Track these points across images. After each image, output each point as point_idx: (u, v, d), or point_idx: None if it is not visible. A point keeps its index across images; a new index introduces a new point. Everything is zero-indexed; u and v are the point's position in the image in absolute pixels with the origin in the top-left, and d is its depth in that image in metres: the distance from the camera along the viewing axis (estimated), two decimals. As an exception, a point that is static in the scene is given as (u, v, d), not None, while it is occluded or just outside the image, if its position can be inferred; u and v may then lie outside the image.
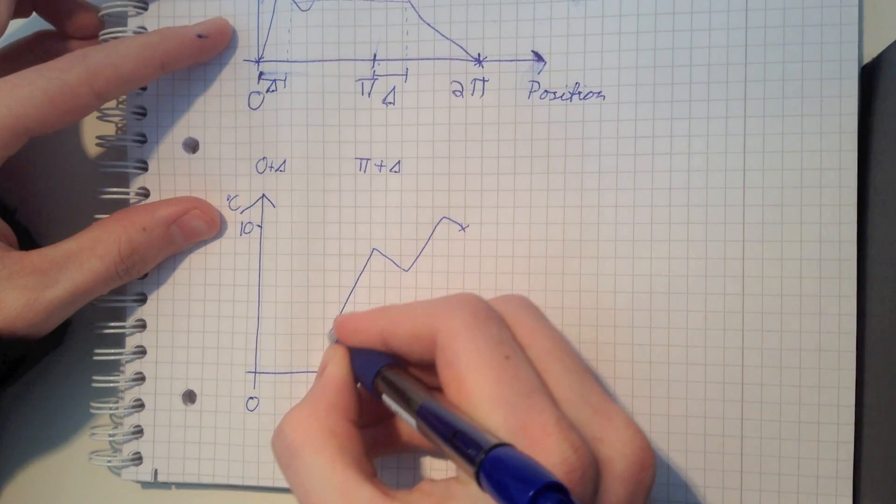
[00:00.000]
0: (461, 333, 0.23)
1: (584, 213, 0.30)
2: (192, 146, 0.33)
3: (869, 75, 0.29)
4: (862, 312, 0.29)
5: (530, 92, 0.31)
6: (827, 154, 0.29)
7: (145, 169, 0.33)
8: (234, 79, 0.33)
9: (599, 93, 0.30)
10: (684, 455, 0.30)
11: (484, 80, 0.31)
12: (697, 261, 0.30)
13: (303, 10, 0.32)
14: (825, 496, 0.29)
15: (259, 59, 0.32)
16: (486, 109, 0.31)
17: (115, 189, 0.33)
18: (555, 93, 0.30)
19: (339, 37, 0.32)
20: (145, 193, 0.33)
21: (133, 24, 0.33)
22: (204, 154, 0.33)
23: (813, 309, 0.29)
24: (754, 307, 0.29)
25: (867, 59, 0.29)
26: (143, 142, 0.33)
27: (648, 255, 0.30)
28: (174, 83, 0.33)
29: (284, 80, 0.32)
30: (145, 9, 0.33)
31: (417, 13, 0.31)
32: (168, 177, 0.33)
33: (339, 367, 0.27)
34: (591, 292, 0.30)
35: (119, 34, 0.32)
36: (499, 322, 0.24)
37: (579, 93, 0.30)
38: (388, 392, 0.25)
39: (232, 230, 0.33)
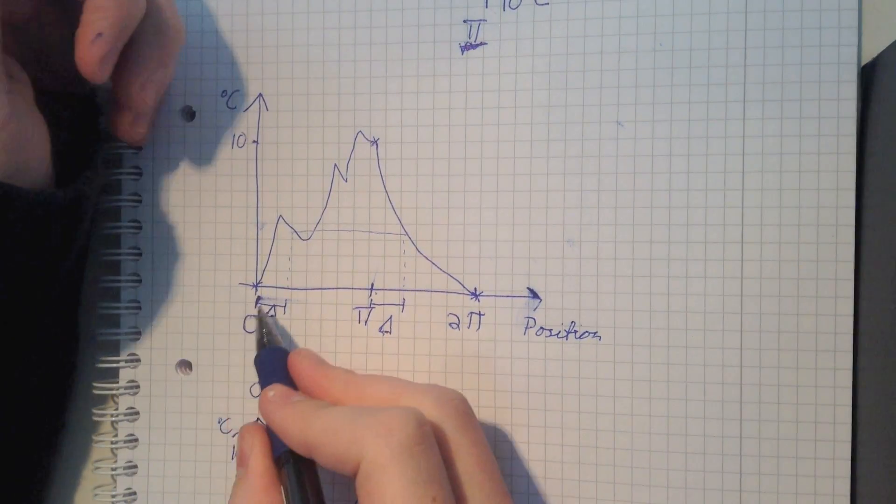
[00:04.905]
0: (388, 468, 0.23)
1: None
2: (185, 367, 0.33)
3: (867, 76, 0.29)
4: (858, 313, 0.29)
5: (526, 328, 0.31)
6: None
7: (138, 388, 0.33)
8: (228, 301, 0.33)
9: (595, 333, 0.31)
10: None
11: (480, 314, 0.31)
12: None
13: (303, 240, 0.32)
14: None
15: (257, 283, 0.33)
16: (482, 343, 0.31)
17: (101, 411, 0.32)
18: (550, 330, 0.31)
19: (337, 266, 0.32)
20: (135, 412, 0.33)
21: None
22: (197, 377, 0.33)
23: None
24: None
25: (865, 60, 0.29)
26: (139, 363, 0.33)
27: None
28: (168, 306, 0.33)
29: (284, 306, 0.32)
30: None
31: (415, 246, 0.32)
32: (159, 398, 0.33)
33: (261, 462, 0.27)
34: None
35: None
36: (430, 448, 0.24)
37: (575, 332, 0.31)
38: (284, 480, 0.26)
39: (221, 454, 0.33)
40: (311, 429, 0.25)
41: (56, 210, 0.27)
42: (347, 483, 0.32)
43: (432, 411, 0.25)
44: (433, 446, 0.24)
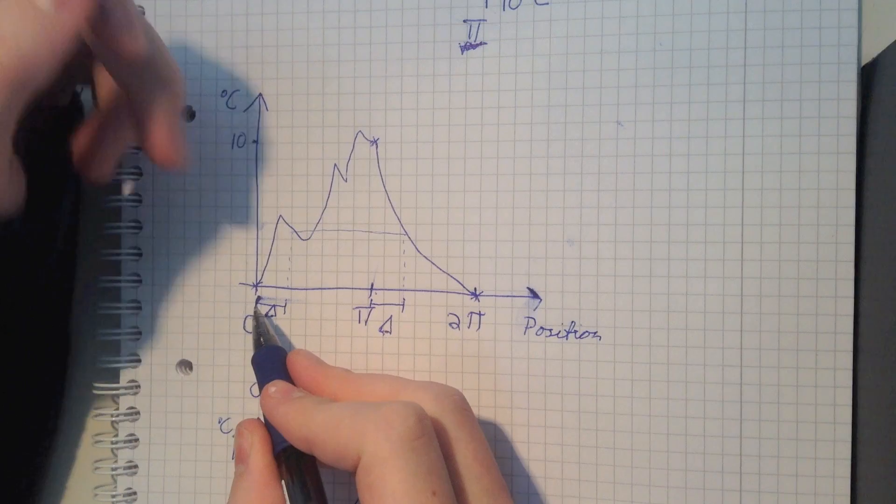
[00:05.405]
0: (389, 461, 0.23)
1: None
2: (185, 367, 0.33)
3: (867, 76, 0.29)
4: (859, 313, 0.29)
5: (526, 328, 0.31)
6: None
7: (138, 388, 0.33)
8: (228, 301, 0.33)
9: (595, 333, 0.31)
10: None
11: (480, 314, 0.31)
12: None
13: (303, 240, 0.32)
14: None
15: (257, 283, 0.33)
16: (482, 343, 0.31)
17: (101, 411, 0.32)
18: (550, 330, 0.31)
19: (337, 266, 0.32)
20: (135, 412, 0.33)
21: None
22: (197, 376, 0.33)
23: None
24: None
25: (865, 60, 0.29)
26: (139, 363, 0.33)
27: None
28: (168, 306, 0.33)
29: (284, 306, 0.32)
30: None
31: (414, 245, 0.32)
32: (159, 398, 0.33)
33: (262, 458, 0.27)
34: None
35: None
36: (430, 443, 0.24)
37: (575, 332, 0.31)
38: (286, 476, 0.27)
39: (222, 454, 0.33)
40: (312, 423, 0.25)
41: (20, 238, 0.27)
42: (348, 483, 0.32)
43: (431, 407, 0.25)
44: (433, 440, 0.24)
